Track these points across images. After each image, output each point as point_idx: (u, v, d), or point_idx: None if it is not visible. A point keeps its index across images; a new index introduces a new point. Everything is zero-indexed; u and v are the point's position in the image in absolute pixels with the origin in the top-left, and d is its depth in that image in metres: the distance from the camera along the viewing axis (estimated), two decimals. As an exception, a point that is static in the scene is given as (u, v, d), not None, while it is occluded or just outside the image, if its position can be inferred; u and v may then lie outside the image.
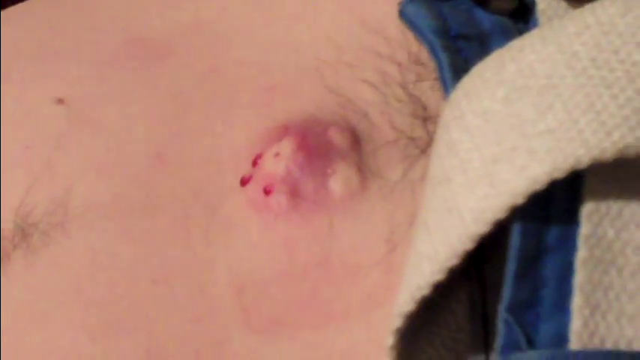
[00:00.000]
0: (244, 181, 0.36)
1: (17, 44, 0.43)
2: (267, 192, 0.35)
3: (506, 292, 0.28)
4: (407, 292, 0.29)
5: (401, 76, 0.37)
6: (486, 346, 0.31)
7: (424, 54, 0.37)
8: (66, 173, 0.38)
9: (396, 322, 0.29)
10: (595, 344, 0.28)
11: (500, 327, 0.28)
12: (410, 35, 0.38)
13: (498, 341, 0.28)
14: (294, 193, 0.35)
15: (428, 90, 0.36)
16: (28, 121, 0.39)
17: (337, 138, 0.36)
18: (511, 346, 0.28)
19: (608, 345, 0.28)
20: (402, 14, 0.38)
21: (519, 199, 0.28)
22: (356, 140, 0.36)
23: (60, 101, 0.39)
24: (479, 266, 0.30)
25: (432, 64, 0.37)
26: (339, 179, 0.35)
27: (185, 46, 0.41)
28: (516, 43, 0.31)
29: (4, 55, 0.42)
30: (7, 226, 0.37)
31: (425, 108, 0.36)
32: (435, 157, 0.31)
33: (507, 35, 0.36)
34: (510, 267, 0.28)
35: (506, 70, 0.30)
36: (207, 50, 0.41)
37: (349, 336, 0.32)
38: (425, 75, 0.37)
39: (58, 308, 0.34)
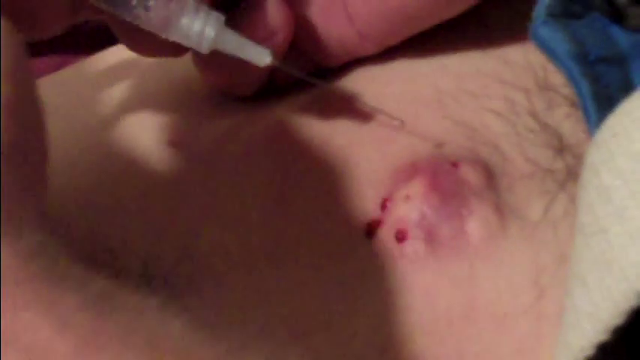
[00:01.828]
0: (374, 226, 0.34)
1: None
2: (400, 238, 0.33)
3: None
4: (569, 354, 0.27)
5: (529, 104, 0.35)
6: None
7: (554, 78, 0.35)
8: (190, 219, 0.37)
9: None
10: None
11: None
12: (534, 58, 0.36)
13: None
14: (431, 239, 0.33)
15: (562, 118, 0.34)
16: (145, 164, 0.39)
17: (470, 175, 0.34)
18: None
19: None
20: (535, 37, 0.36)
21: None
22: (490, 176, 0.34)
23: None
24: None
25: (565, 90, 0.35)
26: (477, 221, 0.33)
27: None
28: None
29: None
30: (132, 275, 0.36)
31: (560, 138, 0.34)
32: (585, 203, 0.29)
33: None
34: None
35: (658, 108, 0.27)
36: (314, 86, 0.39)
37: None
38: (557, 101, 0.34)
39: None
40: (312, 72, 0.39)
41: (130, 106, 0.42)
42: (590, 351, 0.27)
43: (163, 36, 0.35)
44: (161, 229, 0.37)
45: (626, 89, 0.30)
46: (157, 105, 0.41)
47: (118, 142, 0.40)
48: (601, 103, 0.31)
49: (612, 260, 0.27)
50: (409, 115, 0.36)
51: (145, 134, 0.40)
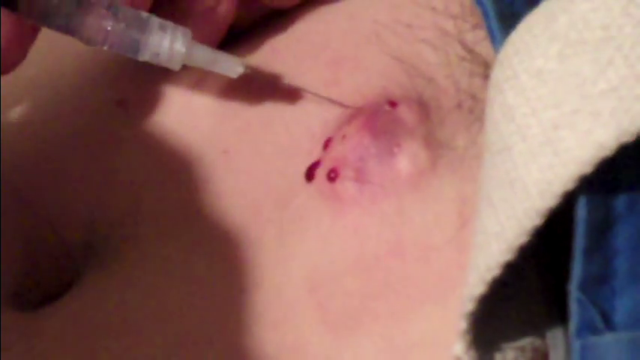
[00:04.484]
0: (313, 168, 0.34)
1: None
2: (332, 178, 0.33)
3: (577, 268, 0.26)
4: (476, 274, 0.27)
5: (457, 30, 0.35)
6: (564, 317, 0.29)
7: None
8: (132, 180, 0.37)
9: (468, 305, 0.28)
10: None
11: (574, 307, 0.26)
12: None
13: (573, 323, 0.26)
14: (361, 177, 0.33)
15: (483, 41, 0.34)
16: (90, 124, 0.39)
17: (406, 113, 0.33)
18: (587, 327, 0.26)
19: None
20: None
21: (587, 168, 0.25)
22: (424, 112, 0.33)
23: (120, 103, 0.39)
24: (550, 237, 0.28)
25: None
26: (406, 157, 0.32)
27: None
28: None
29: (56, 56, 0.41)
30: (76, 240, 0.37)
31: (487, 65, 0.33)
32: (491, 121, 0.29)
33: None
34: (579, 242, 0.26)
35: (557, 24, 0.27)
36: (263, 31, 0.39)
37: (426, 322, 0.30)
38: (481, 24, 0.34)
39: (135, 323, 0.34)
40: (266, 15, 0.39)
41: (77, 62, 0.41)
42: (496, 271, 0.27)
43: (136, 58, 0.35)
44: (103, 190, 0.37)
45: (530, 4, 0.29)
46: (105, 61, 0.40)
47: (65, 99, 0.40)
48: (505, 20, 0.31)
49: (516, 179, 0.27)
50: (353, 54, 0.36)
51: (92, 92, 0.40)
